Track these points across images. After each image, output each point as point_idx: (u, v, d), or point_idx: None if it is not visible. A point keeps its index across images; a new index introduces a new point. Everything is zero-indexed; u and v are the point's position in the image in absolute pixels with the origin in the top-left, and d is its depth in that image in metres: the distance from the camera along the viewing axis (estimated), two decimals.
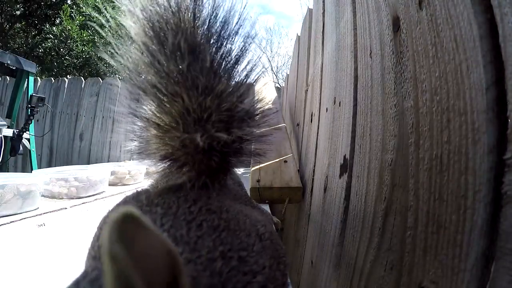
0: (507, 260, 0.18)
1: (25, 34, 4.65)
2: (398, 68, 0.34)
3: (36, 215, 0.76)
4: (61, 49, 4.32)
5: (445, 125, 0.25)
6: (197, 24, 0.32)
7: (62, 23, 4.16)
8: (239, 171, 1.45)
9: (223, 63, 0.33)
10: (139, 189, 0.33)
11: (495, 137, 0.20)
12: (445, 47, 0.25)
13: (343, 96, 0.56)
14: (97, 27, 0.33)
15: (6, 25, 4.46)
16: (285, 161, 1.00)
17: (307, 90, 1.12)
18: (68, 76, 4.15)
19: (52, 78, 3.41)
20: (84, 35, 4.20)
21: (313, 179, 0.79)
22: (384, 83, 0.37)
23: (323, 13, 0.84)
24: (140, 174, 1.43)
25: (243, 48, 0.34)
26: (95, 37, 4.22)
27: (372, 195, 0.38)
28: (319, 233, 0.64)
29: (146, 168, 1.47)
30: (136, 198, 0.30)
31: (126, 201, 0.31)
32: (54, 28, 4.24)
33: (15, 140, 2.14)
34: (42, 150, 3.21)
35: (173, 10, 0.31)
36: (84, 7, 4.15)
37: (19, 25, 4.62)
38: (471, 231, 0.21)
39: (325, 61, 0.77)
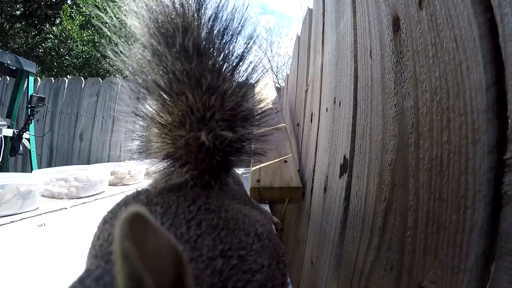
0: (507, 260, 0.18)
1: (25, 34, 4.65)
2: (398, 68, 0.34)
3: (36, 215, 0.76)
4: (61, 49, 4.32)
5: (445, 125, 0.25)
6: (202, 25, 0.32)
7: (62, 23, 4.16)
8: (239, 171, 1.45)
9: (227, 63, 0.33)
10: (139, 189, 0.33)
11: (495, 137, 0.20)
12: (445, 47, 0.25)
13: (343, 96, 0.56)
14: (101, 25, 0.33)
15: (6, 25, 4.46)
16: (285, 161, 1.00)
17: (307, 90, 1.12)
18: (68, 76, 4.16)
19: (52, 78, 3.41)
20: (84, 35, 4.20)
21: (313, 179, 0.79)
22: (384, 83, 0.37)
23: (323, 13, 0.84)
24: (140, 174, 1.43)
25: (246, 48, 0.35)
26: (95, 37, 4.22)
27: (372, 195, 0.38)
28: (319, 233, 0.64)
29: (146, 168, 1.47)
30: (136, 197, 0.30)
31: (126, 201, 0.31)
32: (54, 28, 4.24)
33: (15, 140, 2.15)
34: (42, 150, 3.21)
35: (178, 10, 0.31)
36: (84, 7, 4.15)
37: (19, 25, 4.62)
38: (471, 231, 0.21)
39: (325, 61, 0.77)
